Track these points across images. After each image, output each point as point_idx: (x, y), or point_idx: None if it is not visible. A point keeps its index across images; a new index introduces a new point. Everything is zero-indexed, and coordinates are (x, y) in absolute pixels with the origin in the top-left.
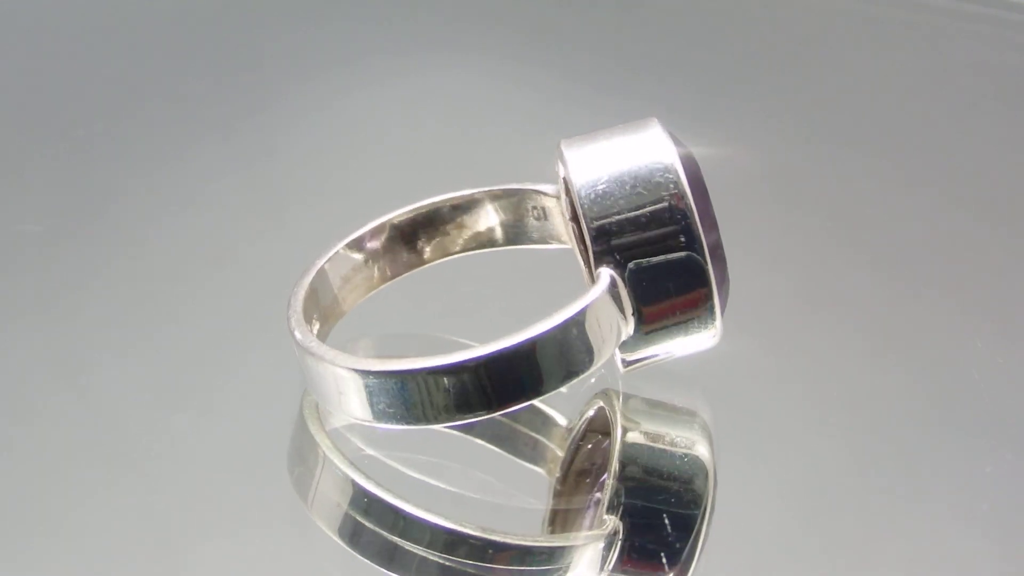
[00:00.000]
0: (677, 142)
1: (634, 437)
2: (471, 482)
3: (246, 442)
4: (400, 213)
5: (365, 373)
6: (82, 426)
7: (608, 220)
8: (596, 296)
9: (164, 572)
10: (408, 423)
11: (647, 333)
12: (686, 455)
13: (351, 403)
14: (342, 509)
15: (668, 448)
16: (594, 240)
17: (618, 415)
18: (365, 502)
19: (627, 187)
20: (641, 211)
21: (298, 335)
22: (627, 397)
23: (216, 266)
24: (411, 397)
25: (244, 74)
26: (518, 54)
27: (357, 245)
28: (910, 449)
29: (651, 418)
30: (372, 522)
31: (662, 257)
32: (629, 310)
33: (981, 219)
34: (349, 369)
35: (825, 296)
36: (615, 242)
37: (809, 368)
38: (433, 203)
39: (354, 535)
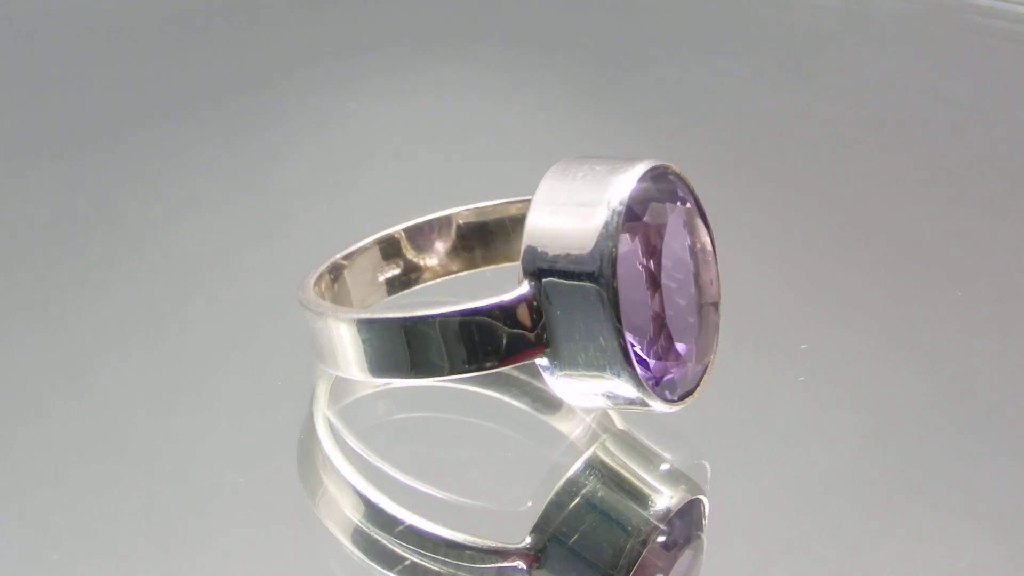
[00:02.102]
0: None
1: (588, 473)
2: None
3: (252, 444)
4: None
5: (364, 323)
6: (87, 427)
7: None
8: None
9: (166, 572)
10: (405, 375)
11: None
12: (624, 507)
13: (348, 358)
14: (346, 512)
15: (609, 494)
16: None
17: (592, 447)
18: (365, 508)
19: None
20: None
21: (301, 294)
22: (619, 435)
23: (220, 267)
24: (413, 344)
25: (248, 77)
26: (534, 73)
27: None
28: (909, 448)
29: (620, 460)
30: (374, 526)
31: (574, 283)
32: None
33: (981, 219)
34: (348, 321)
35: (824, 296)
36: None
37: (808, 367)
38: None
39: (357, 538)
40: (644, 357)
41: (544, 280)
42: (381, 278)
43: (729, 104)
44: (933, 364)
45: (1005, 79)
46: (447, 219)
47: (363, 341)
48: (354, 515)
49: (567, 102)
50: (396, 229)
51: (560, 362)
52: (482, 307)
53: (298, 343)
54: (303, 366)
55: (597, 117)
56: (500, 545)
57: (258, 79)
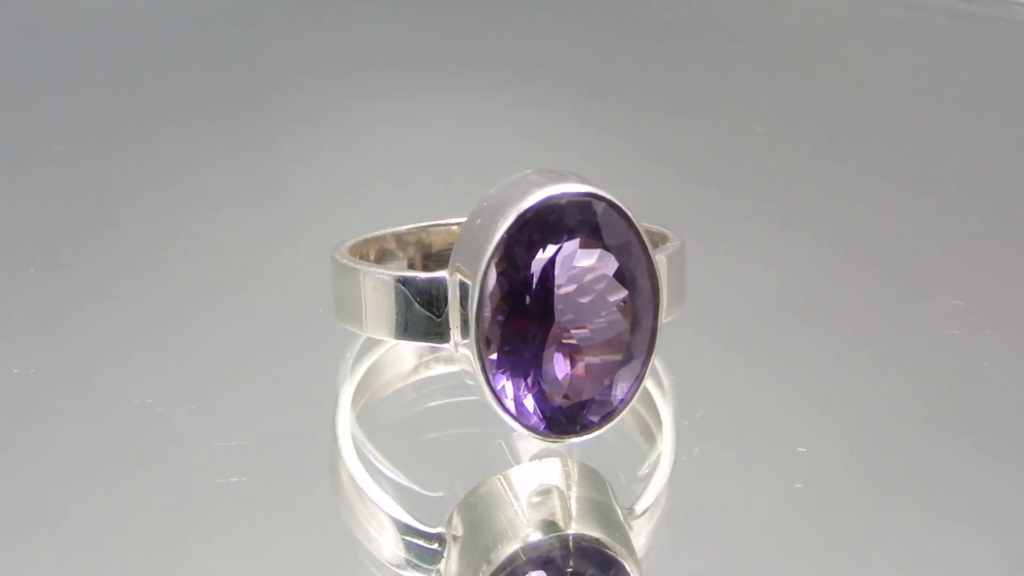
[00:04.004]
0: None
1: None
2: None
3: (254, 444)
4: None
5: (401, 280)
6: (88, 427)
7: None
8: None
9: (171, 571)
10: (431, 339)
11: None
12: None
13: (378, 318)
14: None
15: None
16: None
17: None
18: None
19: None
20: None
21: (335, 252)
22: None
23: (220, 267)
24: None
25: (249, 80)
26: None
27: None
28: (909, 449)
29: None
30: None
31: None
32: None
33: (981, 219)
34: (380, 277)
35: (823, 295)
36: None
37: (808, 367)
38: None
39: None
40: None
41: None
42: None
43: (729, 104)
44: (933, 364)
45: (1005, 79)
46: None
47: (396, 302)
48: (375, 526)
49: (572, 104)
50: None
51: None
52: None
53: (303, 343)
54: (305, 367)
55: (598, 119)
56: (418, 525)
57: (259, 81)
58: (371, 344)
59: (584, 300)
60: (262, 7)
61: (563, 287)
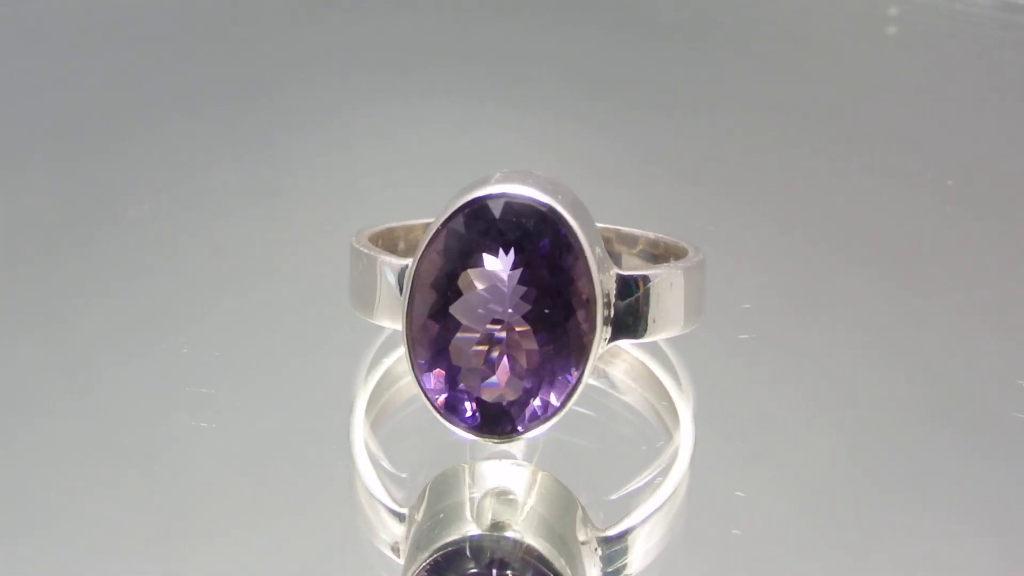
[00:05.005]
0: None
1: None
2: None
3: (257, 445)
4: None
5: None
6: (88, 427)
7: None
8: None
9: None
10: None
11: None
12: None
13: (390, 303)
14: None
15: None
16: None
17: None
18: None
19: None
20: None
21: (354, 238)
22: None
23: (221, 267)
24: None
25: (249, 81)
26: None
27: None
28: (908, 448)
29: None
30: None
31: None
32: None
33: (980, 219)
34: (395, 264)
35: (823, 295)
36: None
37: (808, 367)
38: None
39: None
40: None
41: None
42: None
43: (726, 105)
44: (933, 363)
45: (1005, 79)
46: None
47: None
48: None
49: (574, 106)
50: None
51: None
52: None
53: (302, 344)
54: (308, 368)
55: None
56: (389, 503)
57: (260, 82)
58: (386, 350)
59: (491, 304)
60: (264, 8)
61: (475, 288)
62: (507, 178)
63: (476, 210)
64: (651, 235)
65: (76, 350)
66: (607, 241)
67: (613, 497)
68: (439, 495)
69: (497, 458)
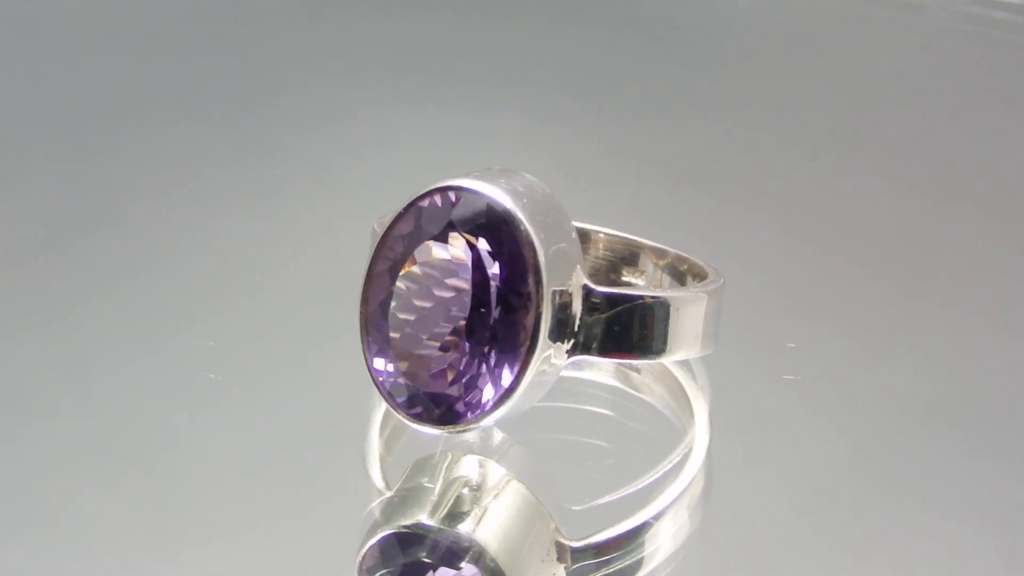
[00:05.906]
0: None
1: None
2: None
3: (258, 446)
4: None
5: None
6: (90, 427)
7: None
8: None
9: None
10: None
11: None
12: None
13: None
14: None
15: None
16: None
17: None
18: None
19: None
20: None
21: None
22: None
23: (222, 267)
24: None
25: (250, 81)
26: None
27: None
28: (908, 448)
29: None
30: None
31: None
32: None
33: (980, 218)
34: None
35: (822, 294)
36: None
37: (808, 367)
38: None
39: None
40: None
41: None
42: None
43: (724, 105)
44: (932, 363)
45: (1004, 79)
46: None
47: None
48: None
49: (577, 106)
50: None
51: None
52: None
53: (304, 344)
54: (310, 369)
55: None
56: (379, 482)
57: (261, 82)
58: None
59: (427, 291)
60: (269, 9)
61: (424, 278)
62: (475, 175)
63: (437, 200)
64: (682, 253)
65: (76, 350)
66: (634, 253)
67: (602, 501)
68: (416, 473)
69: (483, 454)
